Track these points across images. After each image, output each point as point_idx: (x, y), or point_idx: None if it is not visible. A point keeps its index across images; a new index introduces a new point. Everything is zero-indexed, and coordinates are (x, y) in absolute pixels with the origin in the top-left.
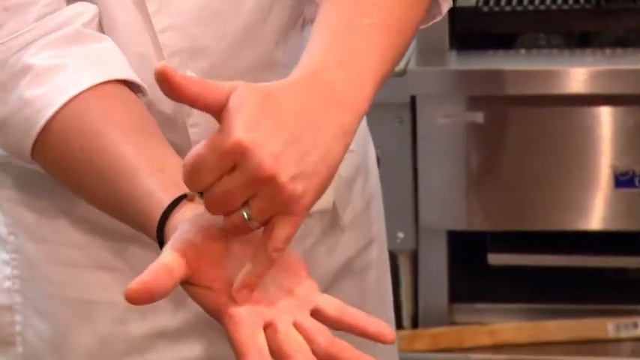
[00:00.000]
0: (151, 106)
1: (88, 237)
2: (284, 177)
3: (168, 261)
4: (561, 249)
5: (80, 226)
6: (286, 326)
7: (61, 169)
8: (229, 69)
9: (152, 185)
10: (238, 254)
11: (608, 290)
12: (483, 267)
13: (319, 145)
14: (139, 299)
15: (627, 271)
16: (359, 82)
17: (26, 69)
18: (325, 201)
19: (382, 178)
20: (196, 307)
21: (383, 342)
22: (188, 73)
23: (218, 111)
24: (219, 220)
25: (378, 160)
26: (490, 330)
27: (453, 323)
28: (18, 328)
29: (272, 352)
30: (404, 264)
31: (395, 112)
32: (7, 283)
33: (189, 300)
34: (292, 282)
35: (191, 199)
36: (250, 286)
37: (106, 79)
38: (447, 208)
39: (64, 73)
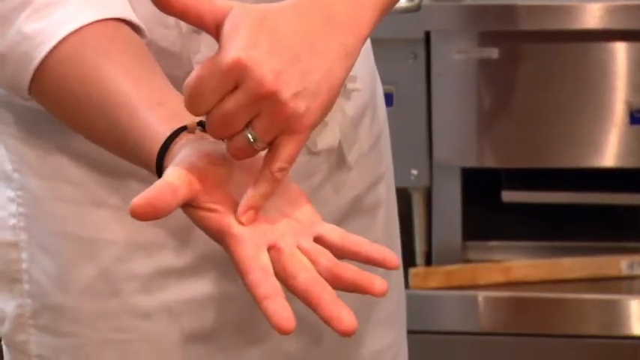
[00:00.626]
0: (155, 44)
1: (88, 173)
2: (286, 93)
3: (172, 179)
4: (575, 186)
5: (80, 162)
6: (290, 248)
7: (58, 105)
8: None
9: (151, 118)
10: (241, 182)
11: (622, 228)
12: (497, 204)
13: (321, 65)
14: (143, 214)
15: None
16: (359, 4)
17: (25, 3)
18: (331, 140)
19: (396, 114)
20: (201, 247)
21: (387, 268)
22: None
23: (213, 28)
24: (221, 147)
25: (392, 96)
26: (503, 267)
27: (466, 261)
28: (24, 265)
29: (276, 273)
30: (417, 201)
31: (409, 48)
32: (13, 221)
33: (194, 239)
34: (294, 210)
35: (191, 131)
36: (255, 208)
37: (106, 16)
38: (461, 145)
39: (64, 7)
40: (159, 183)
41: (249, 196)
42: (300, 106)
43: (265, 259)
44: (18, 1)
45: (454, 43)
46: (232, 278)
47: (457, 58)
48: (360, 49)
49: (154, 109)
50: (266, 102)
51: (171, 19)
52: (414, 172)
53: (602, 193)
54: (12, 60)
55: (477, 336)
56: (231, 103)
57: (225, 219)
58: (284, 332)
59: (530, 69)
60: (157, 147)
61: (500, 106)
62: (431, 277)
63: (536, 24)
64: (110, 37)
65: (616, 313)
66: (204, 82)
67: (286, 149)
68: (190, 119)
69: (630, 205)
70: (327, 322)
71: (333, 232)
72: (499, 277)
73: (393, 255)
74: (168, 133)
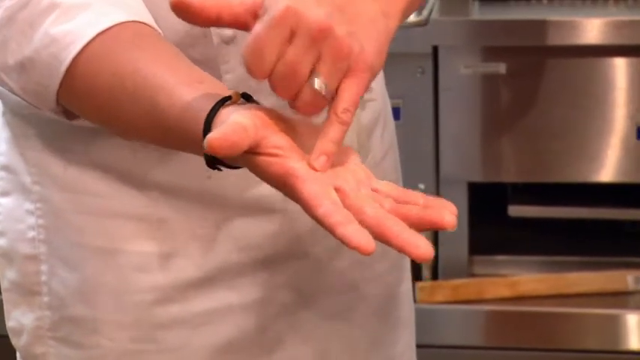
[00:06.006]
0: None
1: (109, 185)
2: (340, 30)
3: (241, 120)
4: (581, 201)
5: (101, 174)
6: (355, 191)
7: (90, 102)
8: None
9: (193, 94)
10: (304, 140)
11: (629, 243)
12: (504, 219)
13: (364, 14)
14: (220, 147)
15: None
16: None
17: (52, 6)
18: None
19: (403, 128)
20: (221, 257)
21: (447, 214)
22: None
23: (252, 20)
24: (270, 110)
25: (400, 110)
26: (510, 282)
27: (472, 275)
28: (43, 277)
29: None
30: None
31: (417, 63)
32: (32, 233)
33: (214, 250)
34: (351, 164)
35: (234, 102)
36: (327, 153)
37: (131, 19)
38: (468, 159)
39: (91, 10)
40: (229, 122)
41: (320, 141)
42: (356, 44)
43: (334, 194)
44: (44, 5)
45: (461, 58)
46: (249, 289)
47: (464, 72)
48: (398, 18)
49: (194, 86)
50: (324, 41)
51: (201, 32)
52: (421, 186)
53: (608, 208)
54: (40, 63)
55: (484, 350)
56: (291, 53)
57: (289, 162)
58: (365, 253)
59: (537, 84)
60: (201, 119)
61: (507, 120)
62: (437, 292)
63: (543, 39)
64: (139, 33)
65: (622, 327)
66: (262, 39)
67: (350, 90)
68: (232, 92)
69: (636, 220)
70: (403, 250)
71: (389, 186)
72: (506, 292)
73: (450, 204)
74: (211, 105)
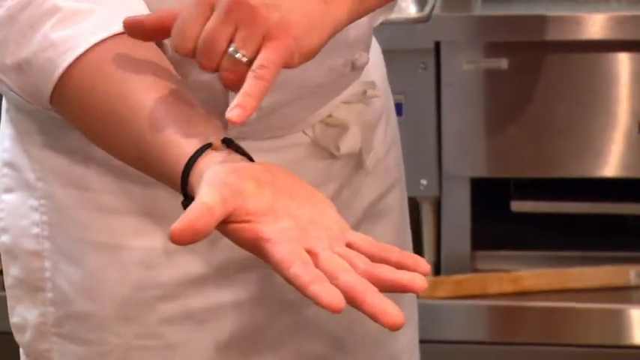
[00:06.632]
0: (189, 75)
1: (113, 181)
2: (255, 1)
3: (208, 200)
4: (584, 196)
5: (105, 170)
6: (327, 252)
7: (80, 116)
8: None
9: (177, 135)
10: (283, 185)
11: (631, 238)
12: (506, 214)
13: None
14: (183, 239)
15: None
16: None
17: (54, 10)
18: (353, 144)
19: (405, 124)
20: (227, 253)
21: (419, 272)
22: None
23: None
24: (247, 164)
25: (402, 106)
26: (513, 277)
27: (475, 270)
28: (47, 273)
29: None
30: (427, 211)
31: (419, 58)
32: (36, 229)
33: (220, 246)
34: (324, 218)
35: (215, 148)
36: (242, 106)
37: None
38: (471, 154)
39: (93, 17)
40: (195, 205)
41: (237, 96)
42: (273, 14)
43: (305, 255)
44: (46, 7)
45: (464, 54)
46: (255, 285)
47: (467, 68)
48: (342, 9)
49: (179, 125)
50: (238, 12)
51: None
52: (424, 182)
53: (610, 203)
54: (36, 66)
55: (486, 345)
56: (209, 26)
57: (258, 226)
58: (336, 311)
59: (539, 79)
60: (181, 163)
61: (510, 116)
62: (440, 287)
63: (546, 35)
64: (138, 49)
65: (625, 322)
66: (184, 18)
67: (267, 50)
68: (214, 136)
69: (639, 215)
70: (373, 317)
71: (363, 240)
72: (508, 287)
73: (423, 260)
74: (193, 150)
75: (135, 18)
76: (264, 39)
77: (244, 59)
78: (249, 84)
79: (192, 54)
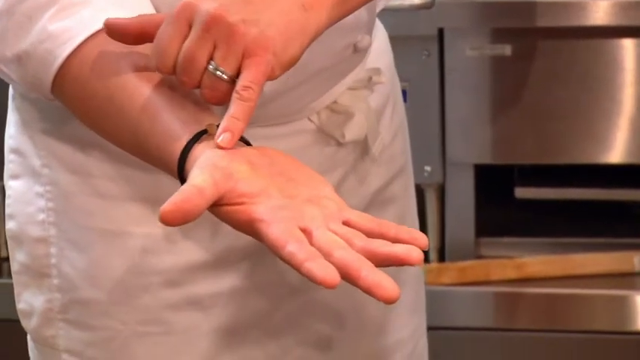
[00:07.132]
0: None
1: (118, 168)
2: (233, 17)
3: (198, 182)
4: (588, 182)
5: (110, 157)
6: (321, 230)
7: (80, 106)
8: None
9: (174, 122)
10: (279, 167)
11: (636, 224)
12: (510, 200)
13: (273, 7)
14: (174, 220)
15: None
16: None
17: (51, 1)
18: (359, 131)
19: (409, 111)
20: (230, 239)
21: (418, 246)
22: None
23: None
24: (242, 148)
25: (405, 93)
26: (517, 264)
27: (479, 257)
28: (53, 260)
29: None
30: (431, 198)
31: (422, 45)
32: (42, 216)
33: (222, 232)
34: (321, 198)
35: (211, 134)
36: (230, 130)
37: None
38: (475, 141)
39: (91, 7)
40: (185, 187)
41: (224, 120)
42: (252, 30)
43: (299, 233)
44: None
45: (467, 40)
46: (258, 270)
47: (470, 54)
48: (322, 14)
49: (176, 112)
50: (216, 29)
51: None
52: (428, 168)
53: (615, 190)
54: (35, 58)
55: (491, 332)
56: (187, 43)
57: (252, 207)
58: (330, 286)
59: (543, 65)
60: (178, 149)
61: (514, 102)
62: (444, 274)
63: (549, 21)
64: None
65: (629, 308)
66: (161, 36)
67: (249, 69)
68: (210, 123)
69: None
70: (368, 291)
71: (361, 217)
72: (512, 274)
73: (422, 234)
74: (189, 137)
75: (116, 20)
76: (244, 56)
77: (224, 76)
78: (235, 107)
79: (173, 71)
